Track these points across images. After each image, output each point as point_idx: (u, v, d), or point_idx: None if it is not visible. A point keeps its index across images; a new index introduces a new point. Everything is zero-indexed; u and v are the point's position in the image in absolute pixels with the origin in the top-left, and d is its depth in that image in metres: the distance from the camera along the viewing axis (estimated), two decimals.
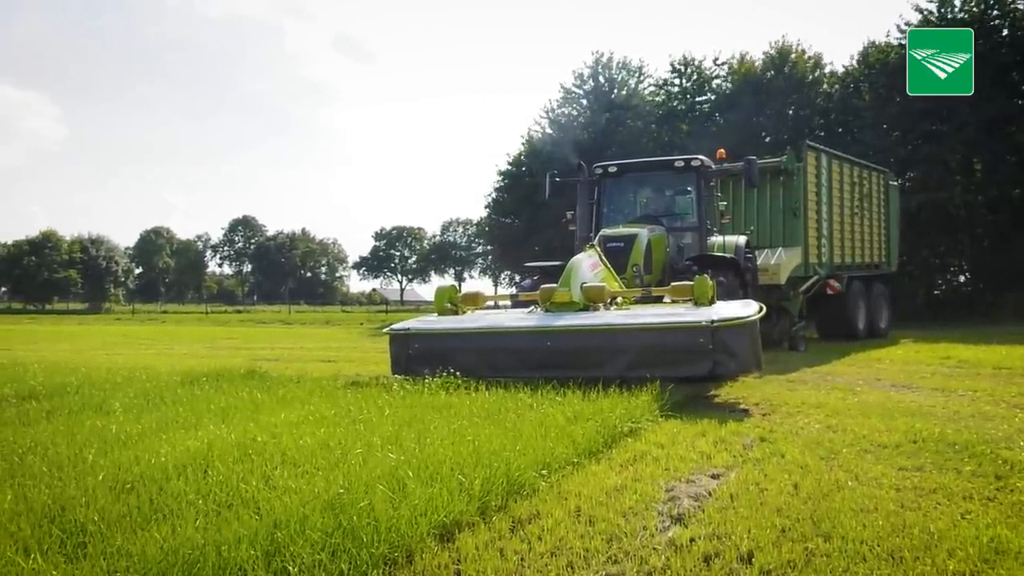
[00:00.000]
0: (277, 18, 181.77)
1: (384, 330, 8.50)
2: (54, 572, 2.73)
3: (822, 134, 26.69)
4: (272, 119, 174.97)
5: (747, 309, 7.46)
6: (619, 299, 8.50)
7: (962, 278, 28.61)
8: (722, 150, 12.05)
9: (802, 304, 14.76)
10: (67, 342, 20.90)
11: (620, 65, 36.29)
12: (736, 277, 10.67)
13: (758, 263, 13.18)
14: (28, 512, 3.28)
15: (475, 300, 9.00)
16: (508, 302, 10.07)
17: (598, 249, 9.43)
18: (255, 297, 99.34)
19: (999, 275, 25.15)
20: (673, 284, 8.30)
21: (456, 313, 8.65)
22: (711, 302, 7.62)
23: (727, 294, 10.09)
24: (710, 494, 4.13)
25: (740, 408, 7.29)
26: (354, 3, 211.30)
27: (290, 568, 2.80)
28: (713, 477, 4.52)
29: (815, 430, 5.99)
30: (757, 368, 7.30)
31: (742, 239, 12.17)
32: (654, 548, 3.31)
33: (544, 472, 4.18)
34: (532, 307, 8.54)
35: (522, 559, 3.17)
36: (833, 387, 8.70)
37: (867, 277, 17.18)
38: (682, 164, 11.46)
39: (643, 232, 10.52)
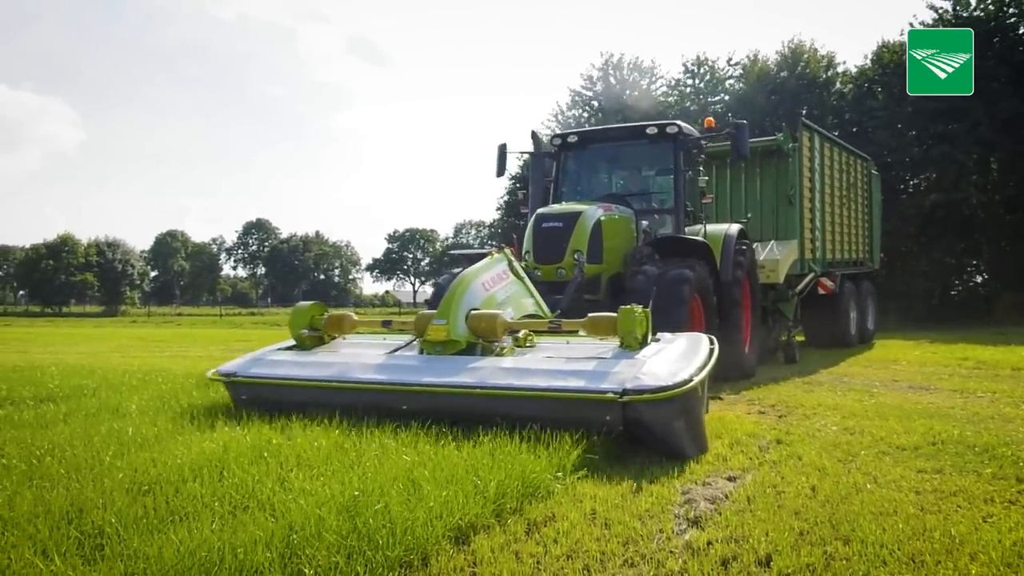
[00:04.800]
0: (290, 21, 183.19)
1: (208, 373, 6.58)
2: (72, 574, 2.75)
3: (836, 134, 26.51)
4: (286, 122, 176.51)
5: (688, 363, 5.12)
6: (521, 332, 6.19)
7: (979, 279, 28.35)
8: (710, 118, 10.12)
9: (796, 306, 12.73)
10: (83, 345, 21.06)
11: (632, 66, 36.22)
12: (707, 267, 8.54)
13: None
14: (46, 514, 3.30)
15: (340, 325, 6.85)
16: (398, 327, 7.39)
17: (509, 254, 7.23)
18: (269, 300, 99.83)
19: (1017, 275, 24.90)
20: (590, 316, 5.86)
21: (322, 340, 6.74)
22: (643, 342, 5.39)
23: (697, 290, 8.03)
24: (727, 497, 4.10)
25: (756, 410, 7.25)
26: (368, 6, 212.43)
27: (306, 571, 2.80)
28: (729, 479, 4.49)
29: (832, 432, 5.95)
30: (696, 451, 5.02)
31: (735, 228, 9.94)
32: (671, 551, 3.29)
33: (559, 474, 4.15)
34: (411, 340, 6.39)
35: (538, 562, 3.15)
36: (850, 389, 8.64)
37: (855, 275, 15.52)
38: (655, 131, 9.48)
39: (589, 211, 8.49)
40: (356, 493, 3.44)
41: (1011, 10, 25.29)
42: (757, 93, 30.34)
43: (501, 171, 10.20)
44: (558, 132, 10.19)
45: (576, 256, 8.16)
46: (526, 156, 10.26)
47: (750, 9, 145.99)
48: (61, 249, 76.84)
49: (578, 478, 4.25)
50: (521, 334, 6.17)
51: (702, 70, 34.14)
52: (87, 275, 77.13)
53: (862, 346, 14.91)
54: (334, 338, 6.88)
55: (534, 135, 10.14)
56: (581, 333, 6.01)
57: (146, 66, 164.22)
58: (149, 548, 2.92)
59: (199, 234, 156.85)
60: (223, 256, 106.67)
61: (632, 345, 5.37)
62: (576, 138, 10.21)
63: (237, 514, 3.34)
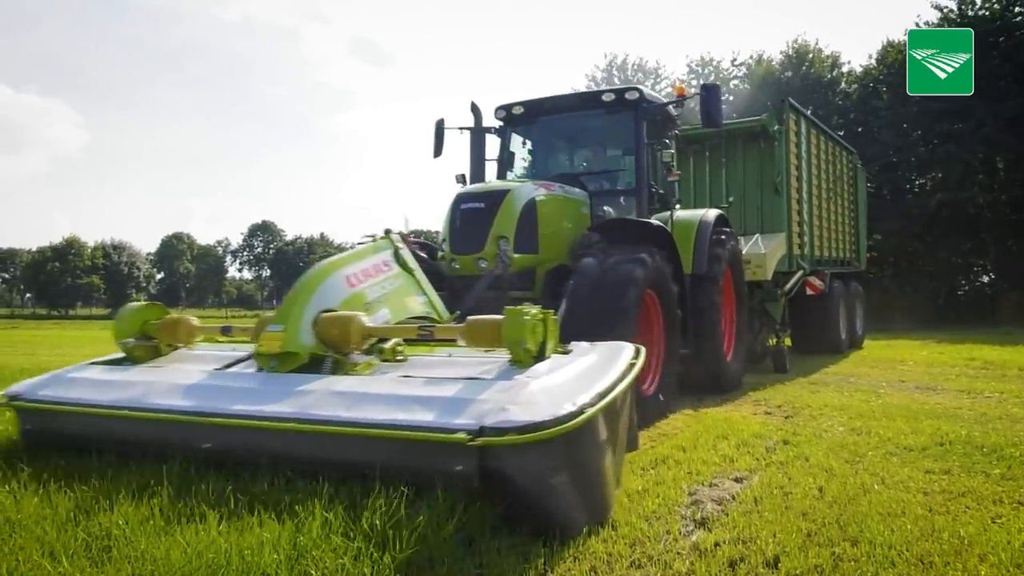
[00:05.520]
0: (293, 22, 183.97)
1: None
2: None
3: (841, 133, 26.51)
4: (288, 123, 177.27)
5: (588, 386, 3.63)
6: (390, 341, 4.68)
7: (985, 278, 28.28)
8: (680, 86, 8.60)
9: (785, 308, 11.55)
10: (90, 347, 21.08)
11: (636, 67, 36.24)
12: (666, 257, 6.95)
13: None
14: (53, 516, 3.30)
15: (174, 332, 5.35)
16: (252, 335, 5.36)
17: (396, 241, 5.99)
18: (274, 301, 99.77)
19: None
20: (469, 319, 4.39)
21: (158, 351, 5.30)
22: (538, 355, 4.03)
23: (651, 285, 6.53)
24: (734, 498, 4.09)
25: (762, 410, 7.24)
26: (370, 7, 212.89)
27: (313, 573, 2.79)
28: (736, 480, 4.48)
29: (839, 433, 5.93)
30: (590, 518, 3.51)
31: (712, 213, 8.59)
32: (678, 552, 3.28)
33: None
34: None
35: (544, 563, 3.14)
36: (856, 389, 8.62)
37: (843, 275, 14.34)
38: (613, 98, 8.06)
39: (521, 189, 7.05)
40: (362, 494, 3.43)
41: (1016, 9, 25.28)
42: (762, 93, 30.31)
43: (438, 151, 8.68)
44: (502, 104, 8.75)
45: (501, 244, 6.71)
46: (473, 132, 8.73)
47: (754, 9, 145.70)
48: (67, 252, 77.32)
49: None
50: (389, 344, 4.67)
51: (706, 71, 34.19)
52: (93, 277, 77.60)
53: (863, 348, 14.75)
54: (177, 348, 5.41)
55: (474, 107, 8.74)
56: (460, 342, 4.52)
57: (149, 67, 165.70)
58: (156, 550, 2.92)
59: (203, 235, 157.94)
60: (228, 258, 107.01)
61: (523, 359, 4.02)
62: (522, 109, 8.61)
63: (244, 516, 3.33)
